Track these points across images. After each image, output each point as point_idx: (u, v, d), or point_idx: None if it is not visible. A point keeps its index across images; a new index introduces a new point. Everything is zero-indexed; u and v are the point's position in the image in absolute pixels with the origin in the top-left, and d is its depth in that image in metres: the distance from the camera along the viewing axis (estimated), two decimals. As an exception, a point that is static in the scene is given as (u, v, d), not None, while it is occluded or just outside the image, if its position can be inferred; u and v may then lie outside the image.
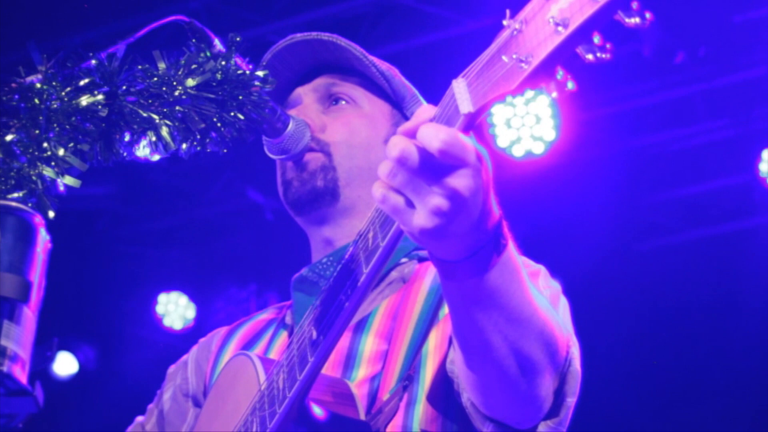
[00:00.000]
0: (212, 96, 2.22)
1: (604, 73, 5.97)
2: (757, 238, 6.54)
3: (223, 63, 2.24)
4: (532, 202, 6.24)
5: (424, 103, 2.67)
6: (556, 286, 2.28)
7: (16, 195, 2.02)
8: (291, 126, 2.48)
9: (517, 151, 6.27)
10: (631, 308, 6.86)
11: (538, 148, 6.28)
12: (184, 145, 2.24)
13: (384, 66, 2.62)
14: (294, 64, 2.63)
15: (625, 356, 6.69)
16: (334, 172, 2.52)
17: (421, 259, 2.51)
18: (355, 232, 2.49)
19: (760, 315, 6.48)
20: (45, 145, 2.05)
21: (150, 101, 2.17)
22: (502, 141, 6.24)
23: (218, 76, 2.22)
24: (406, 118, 2.62)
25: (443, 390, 2.23)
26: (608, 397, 6.40)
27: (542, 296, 2.04)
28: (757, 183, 6.42)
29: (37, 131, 2.05)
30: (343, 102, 2.60)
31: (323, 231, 2.56)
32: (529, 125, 6.25)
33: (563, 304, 2.24)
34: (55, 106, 2.08)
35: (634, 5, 1.56)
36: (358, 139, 2.56)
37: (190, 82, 2.20)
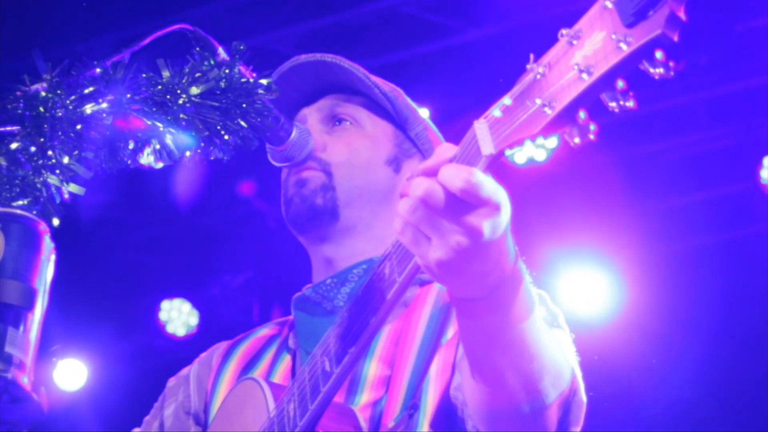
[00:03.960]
0: (216, 104, 2.22)
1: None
2: (759, 245, 6.53)
3: (227, 71, 2.24)
4: (534, 209, 6.25)
5: (431, 124, 2.71)
6: (557, 312, 2.30)
7: (20, 203, 2.02)
8: (294, 134, 2.49)
9: (519, 159, 6.29)
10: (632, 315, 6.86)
11: (540, 156, 6.29)
12: (187, 153, 2.25)
13: (387, 87, 2.64)
14: (300, 84, 2.65)
15: (623, 362, 6.69)
16: (334, 192, 2.54)
17: (422, 283, 2.53)
18: (356, 252, 2.54)
19: (762, 323, 6.48)
20: (49, 153, 2.06)
21: (154, 109, 2.18)
22: (505, 148, 6.24)
23: (222, 84, 2.23)
24: (409, 138, 2.65)
25: (446, 416, 2.25)
26: (608, 402, 6.40)
27: (550, 328, 2.08)
28: (759, 191, 6.43)
29: (41, 139, 2.06)
30: (347, 123, 2.63)
31: (324, 250, 2.58)
32: (531, 133, 6.25)
33: (565, 331, 2.26)
34: (59, 114, 2.09)
35: (659, 55, 1.54)
36: (359, 160, 2.58)
37: (194, 90, 2.21)
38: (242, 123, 2.26)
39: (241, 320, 7.40)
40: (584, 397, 2.13)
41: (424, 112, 2.85)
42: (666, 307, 6.73)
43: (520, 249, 1.89)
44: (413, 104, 2.69)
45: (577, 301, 6.76)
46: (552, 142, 6.24)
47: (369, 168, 2.58)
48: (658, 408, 6.76)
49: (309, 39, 6.15)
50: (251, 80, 2.27)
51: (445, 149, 1.78)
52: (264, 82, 2.29)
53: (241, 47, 2.29)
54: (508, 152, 1.71)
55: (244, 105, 2.26)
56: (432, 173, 1.72)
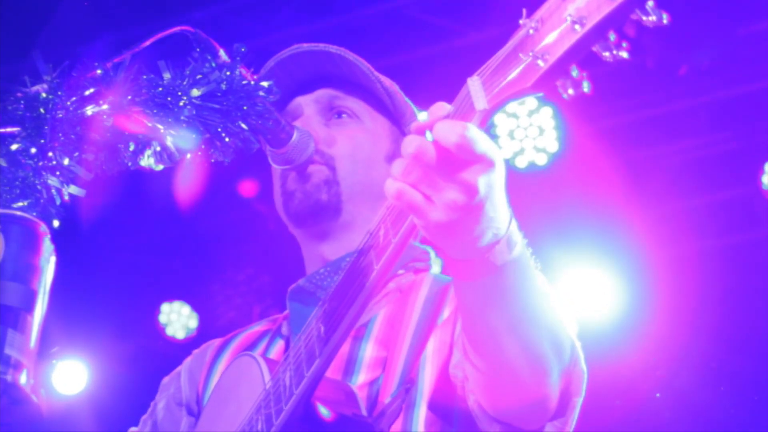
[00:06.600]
0: (217, 106, 2.22)
1: (608, 85, 5.97)
2: (761, 250, 6.53)
3: (228, 73, 2.24)
4: (534, 213, 6.24)
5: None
6: (557, 289, 2.28)
7: (20, 204, 2.02)
8: (295, 136, 2.48)
9: (521, 163, 6.28)
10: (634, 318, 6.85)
11: (541, 160, 6.29)
12: (188, 155, 2.24)
13: (387, 82, 2.62)
14: (296, 73, 2.63)
15: (624, 364, 6.68)
16: (338, 187, 2.52)
17: (417, 271, 2.53)
18: (352, 248, 2.52)
19: (762, 328, 6.47)
20: (50, 154, 2.06)
21: (155, 111, 2.17)
22: (505, 152, 6.24)
23: (223, 86, 2.23)
24: (404, 135, 2.63)
25: (444, 393, 2.24)
26: (608, 402, 6.40)
27: (548, 296, 2.05)
28: (760, 195, 6.42)
29: (42, 141, 2.06)
30: (345, 116, 2.61)
31: (321, 246, 2.57)
32: (532, 137, 6.26)
33: (566, 305, 2.24)
34: (60, 115, 2.08)
35: (651, 3, 1.56)
36: (362, 155, 2.57)
37: (195, 92, 2.20)
38: (243, 125, 2.26)
39: (241, 323, 7.37)
40: (585, 367, 2.11)
41: (422, 116, 2.86)
42: (667, 311, 6.72)
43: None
44: (408, 100, 2.69)
45: (578, 304, 6.75)
46: (553, 146, 6.24)
47: (370, 163, 2.57)
48: (660, 409, 6.76)
49: (310, 41, 6.13)
50: (252, 82, 2.27)
51: (438, 107, 1.76)
52: (265, 84, 2.29)
53: (242, 49, 2.28)
54: (501, 108, 1.71)
55: (245, 107, 2.25)
56: (425, 131, 1.71)
